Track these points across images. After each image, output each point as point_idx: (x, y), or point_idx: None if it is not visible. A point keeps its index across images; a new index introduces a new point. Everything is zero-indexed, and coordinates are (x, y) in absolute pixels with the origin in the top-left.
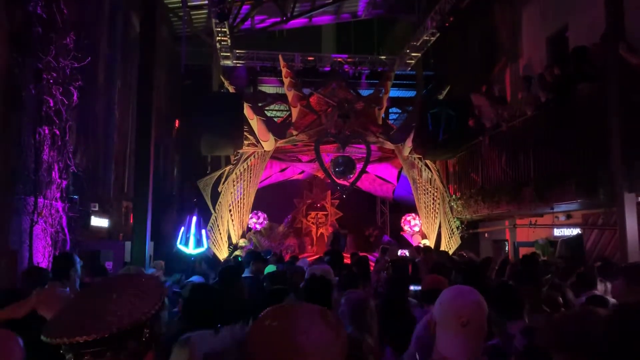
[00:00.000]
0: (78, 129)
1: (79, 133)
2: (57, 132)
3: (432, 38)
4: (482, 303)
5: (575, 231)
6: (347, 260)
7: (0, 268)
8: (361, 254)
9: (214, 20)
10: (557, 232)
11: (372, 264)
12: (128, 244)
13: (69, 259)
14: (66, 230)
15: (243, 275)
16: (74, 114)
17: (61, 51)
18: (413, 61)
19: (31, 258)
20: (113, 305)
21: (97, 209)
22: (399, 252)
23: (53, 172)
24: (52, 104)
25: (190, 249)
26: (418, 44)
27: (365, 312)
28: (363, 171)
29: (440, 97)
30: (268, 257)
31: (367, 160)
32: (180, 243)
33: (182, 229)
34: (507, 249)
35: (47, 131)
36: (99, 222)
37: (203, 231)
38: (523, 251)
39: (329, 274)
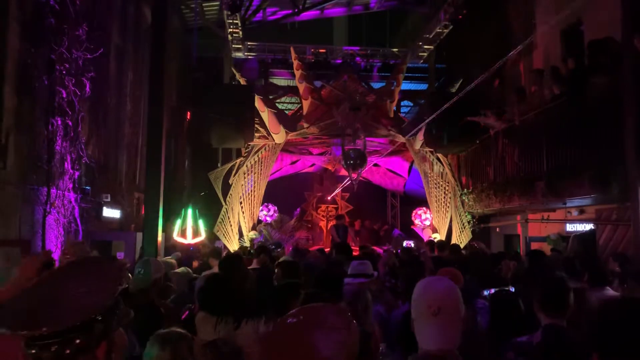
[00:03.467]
0: (90, 120)
1: (91, 124)
2: (70, 123)
3: (445, 30)
4: (453, 289)
5: (588, 226)
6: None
7: (13, 257)
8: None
9: (225, 12)
10: (570, 227)
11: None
12: (139, 235)
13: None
14: (78, 220)
15: (251, 267)
16: (86, 105)
17: (74, 42)
18: (425, 54)
19: (44, 248)
20: (63, 298)
21: (109, 199)
22: (405, 243)
23: (65, 163)
24: (64, 95)
25: (188, 240)
26: (431, 36)
27: (359, 304)
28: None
29: (453, 90)
30: (279, 249)
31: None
32: (175, 236)
33: (178, 221)
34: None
35: (59, 122)
36: (111, 213)
37: (200, 221)
38: (535, 246)
39: (370, 268)
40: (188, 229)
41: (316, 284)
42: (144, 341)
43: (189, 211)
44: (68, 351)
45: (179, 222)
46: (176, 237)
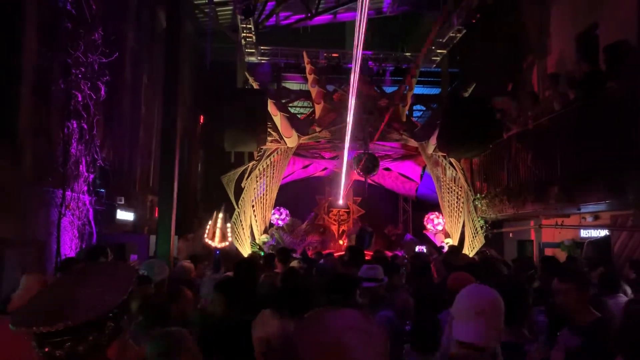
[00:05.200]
0: (105, 124)
1: (106, 127)
2: (85, 126)
3: (458, 35)
4: (498, 299)
5: (603, 232)
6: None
7: (29, 258)
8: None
9: (239, 17)
10: (584, 233)
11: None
12: (153, 238)
13: (102, 252)
14: (92, 223)
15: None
16: (101, 109)
17: (89, 46)
18: (438, 58)
19: (59, 250)
20: (76, 297)
21: (122, 202)
22: (417, 248)
23: (81, 166)
24: (80, 99)
25: (216, 243)
26: (444, 40)
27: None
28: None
29: (466, 94)
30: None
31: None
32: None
33: (210, 223)
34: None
35: (75, 125)
36: (125, 215)
37: (227, 225)
38: (548, 252)
39: (380, 273)
40: (217, 232)
41: (330, 288)
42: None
43: (220, 214)
44: (81, 348)
45: (210, 224)
46: (205, 239)
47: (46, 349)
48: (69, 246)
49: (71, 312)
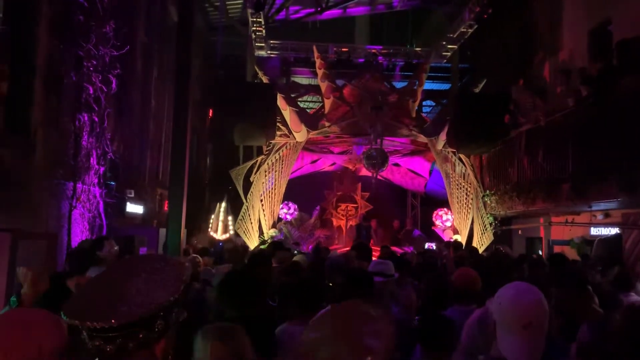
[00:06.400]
0: (115, 117)
1: (116, 120)
2: (96, 119)
3: (469, 30)
4: (544, 302)
5: (614, 230)
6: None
7: (41, 251)
8: (392, 248)
9: (249, 10)
10: (594, 231)
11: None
12: (162, 231)
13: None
14: (103, 215)
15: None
16: (112, 102)
17: (101, 39)
18: (449, 53)
19: (70, 242)
20: (129, 293)
21: (132, 195)
22: (427, 245)
23: (91, 158)
24: (91, 91)
25: (219, 235)
26: (455, 35)
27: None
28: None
29: (476, 90)
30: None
31: None
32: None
33: (212, 216)
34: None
35: (86, 118)
36: (134, 208)
37: (229, 217)
38: (557, 249)
39: (390, 268)
40: (219, 225)
41: (347, 283)
42: None
43: (222, 206)
44: (131, 344)
45: (212, 217)
46: (210, 232)
47: (97, 343)
48: (80, 238)
49: (125, 309)
